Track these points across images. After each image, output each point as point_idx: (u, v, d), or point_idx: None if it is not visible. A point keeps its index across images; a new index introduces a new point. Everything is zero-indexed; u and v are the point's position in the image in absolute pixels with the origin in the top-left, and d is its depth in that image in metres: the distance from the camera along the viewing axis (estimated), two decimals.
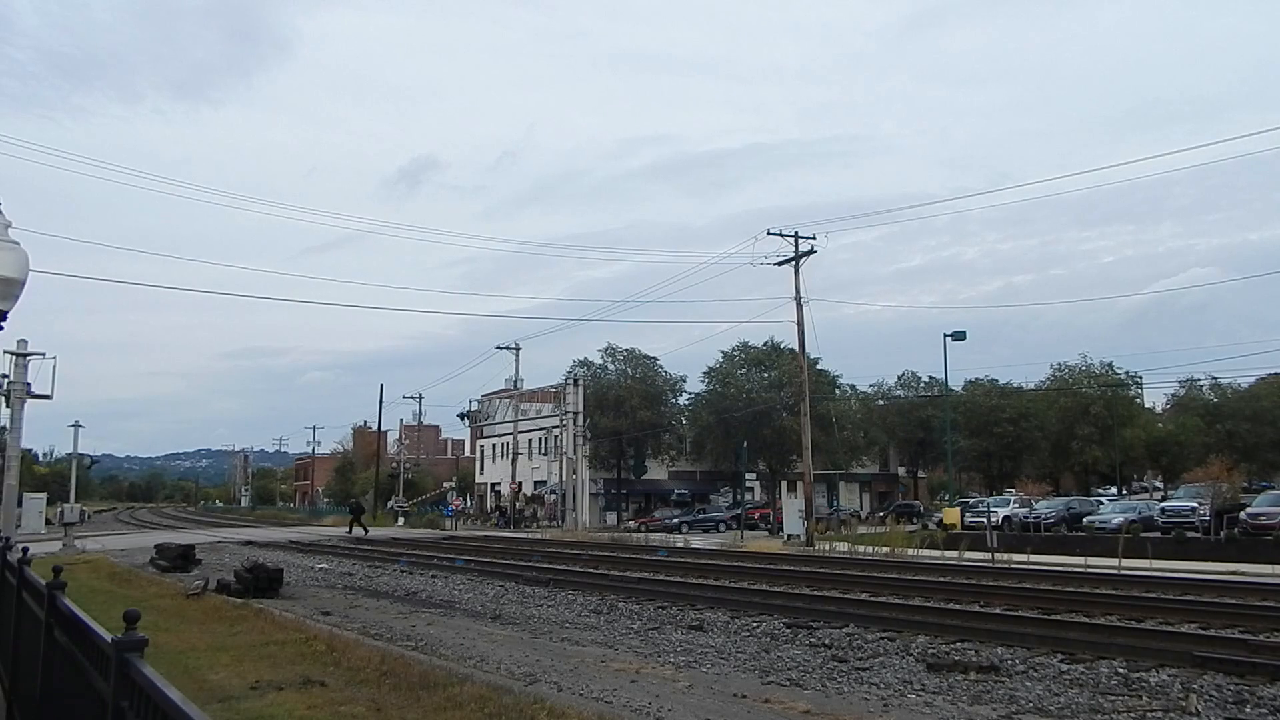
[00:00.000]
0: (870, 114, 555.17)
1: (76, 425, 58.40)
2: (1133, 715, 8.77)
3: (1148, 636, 12.19)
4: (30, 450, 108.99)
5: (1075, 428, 63.60)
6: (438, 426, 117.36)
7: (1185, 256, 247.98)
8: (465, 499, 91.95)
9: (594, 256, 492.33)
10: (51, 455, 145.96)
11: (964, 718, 8.72)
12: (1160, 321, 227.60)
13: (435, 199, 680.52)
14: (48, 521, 49.32)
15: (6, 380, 29.34)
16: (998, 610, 15.56)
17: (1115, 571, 23.14)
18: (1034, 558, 27.71)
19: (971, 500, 53.09)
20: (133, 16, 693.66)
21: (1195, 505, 38.41)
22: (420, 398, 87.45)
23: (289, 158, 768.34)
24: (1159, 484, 75.59)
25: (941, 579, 21.46)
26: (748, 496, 58.19)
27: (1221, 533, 34.27)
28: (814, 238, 41.67)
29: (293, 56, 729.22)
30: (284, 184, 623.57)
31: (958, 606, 16.18)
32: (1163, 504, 43.60)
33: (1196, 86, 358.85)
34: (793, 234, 41.58)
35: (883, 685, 10.12)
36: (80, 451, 66.08)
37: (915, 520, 48.80)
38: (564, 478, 62.27)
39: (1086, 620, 14.06)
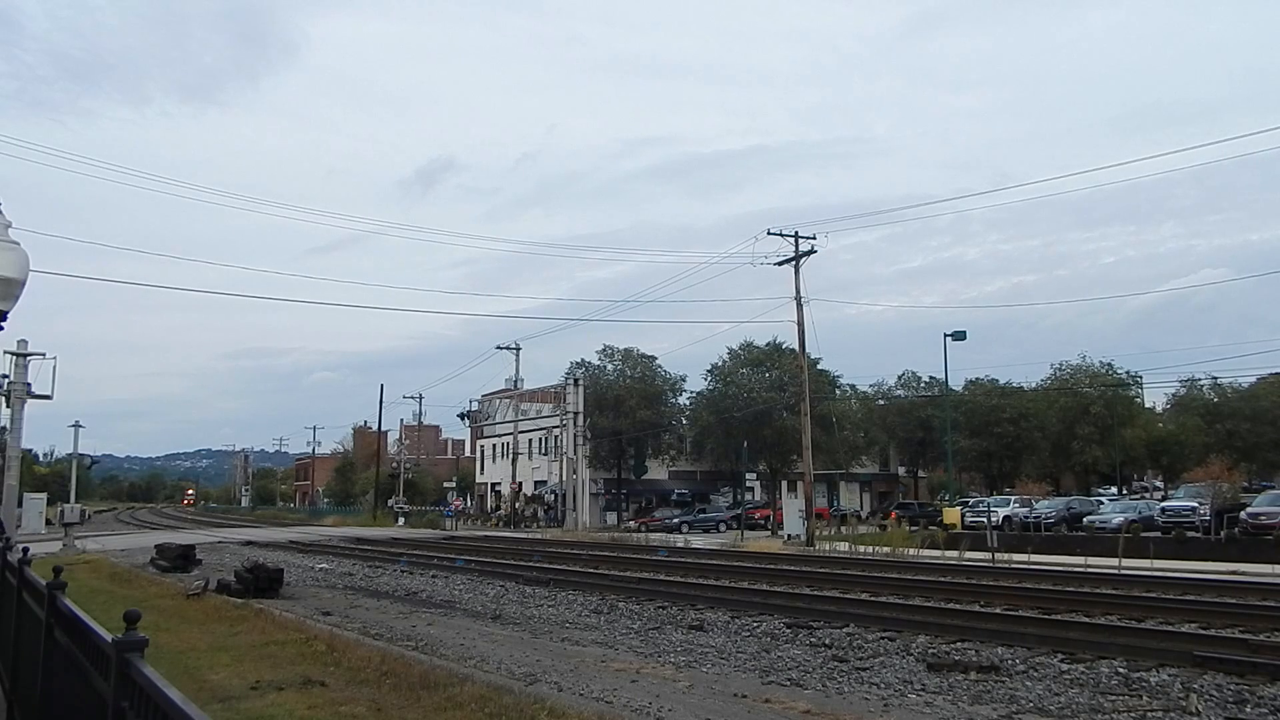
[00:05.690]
0: (867, 117, 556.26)
1: (76, 425, 58.40)
2: (1133, 715, 8.77)
3: (1148, 636, 12.19)
4: (30, 450, 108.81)
5: (1075, 428, 63.55)
6: (438, 426, 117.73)
7: (1186, 257, 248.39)
8: (465, 499, 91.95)
9: (597, 257, 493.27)
10: (51, 455, 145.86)
11: (964, 718, 8.71)
12: (1167, 322, 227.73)
13: (452, 200, 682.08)
14: (48, 521, 49.37)
15: (6, 380, 29.42)
16: (998, 610, 15.56)
17: (1115, 571, 23.13)
18: (1034, 558, 27.72)
19: (972, 500, 53.04)
20: (141, 21, 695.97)
21: (1195, 505, 38.38)
22: (420, 398, 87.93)
23: (294, 160, 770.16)
24: (1159, 484, 75.53)
25: (942, 579, 21.46)
26: (748, 496, 58.09)
27: (1221, 532, 34.26)
28: (814, 238, 41.80)
29: (300, 61, 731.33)
30: (288, 186, 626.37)
31: (958, 606, 16.18)
32: (1163, 504, 43.56)
33: (1192, 90, 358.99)
34: (793, 234, 41.66)
35: (883, 685, 10.11)
36: (80, 452, 66.05)
37: (915, 524, 48.67)
38: (564, 478, 62.27)
39: (1087, 620, 14.06)
